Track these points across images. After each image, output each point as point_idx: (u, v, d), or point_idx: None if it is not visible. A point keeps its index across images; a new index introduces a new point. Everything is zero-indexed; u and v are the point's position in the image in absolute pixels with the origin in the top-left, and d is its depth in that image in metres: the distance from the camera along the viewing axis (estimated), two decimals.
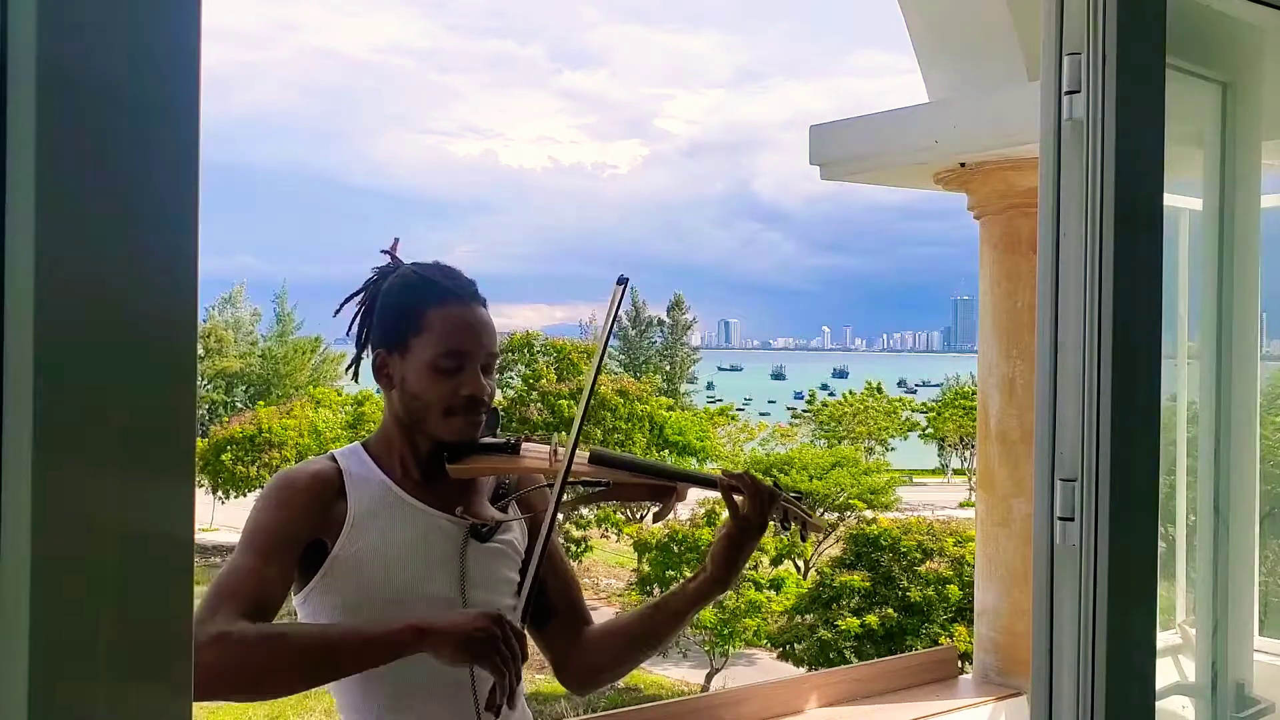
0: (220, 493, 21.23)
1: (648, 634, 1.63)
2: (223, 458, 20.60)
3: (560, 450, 1.53)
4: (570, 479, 1.53)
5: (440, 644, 1.33)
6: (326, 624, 1.46)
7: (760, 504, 1.56)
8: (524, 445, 1.57)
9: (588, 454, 1.56)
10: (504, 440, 1.57)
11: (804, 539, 1.70)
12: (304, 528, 1.48)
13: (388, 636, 1.35)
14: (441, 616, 1.38)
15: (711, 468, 22.54)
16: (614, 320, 1.64)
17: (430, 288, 1.55)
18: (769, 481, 1.60)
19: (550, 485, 1.54)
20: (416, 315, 1.53)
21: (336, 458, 1.57)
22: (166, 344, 0.63)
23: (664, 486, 1.57)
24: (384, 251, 1.63)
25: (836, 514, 18.18)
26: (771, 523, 1.59)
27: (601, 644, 1.65)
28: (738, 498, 1.57)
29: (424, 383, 1.52)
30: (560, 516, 1.67)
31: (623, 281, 1.55)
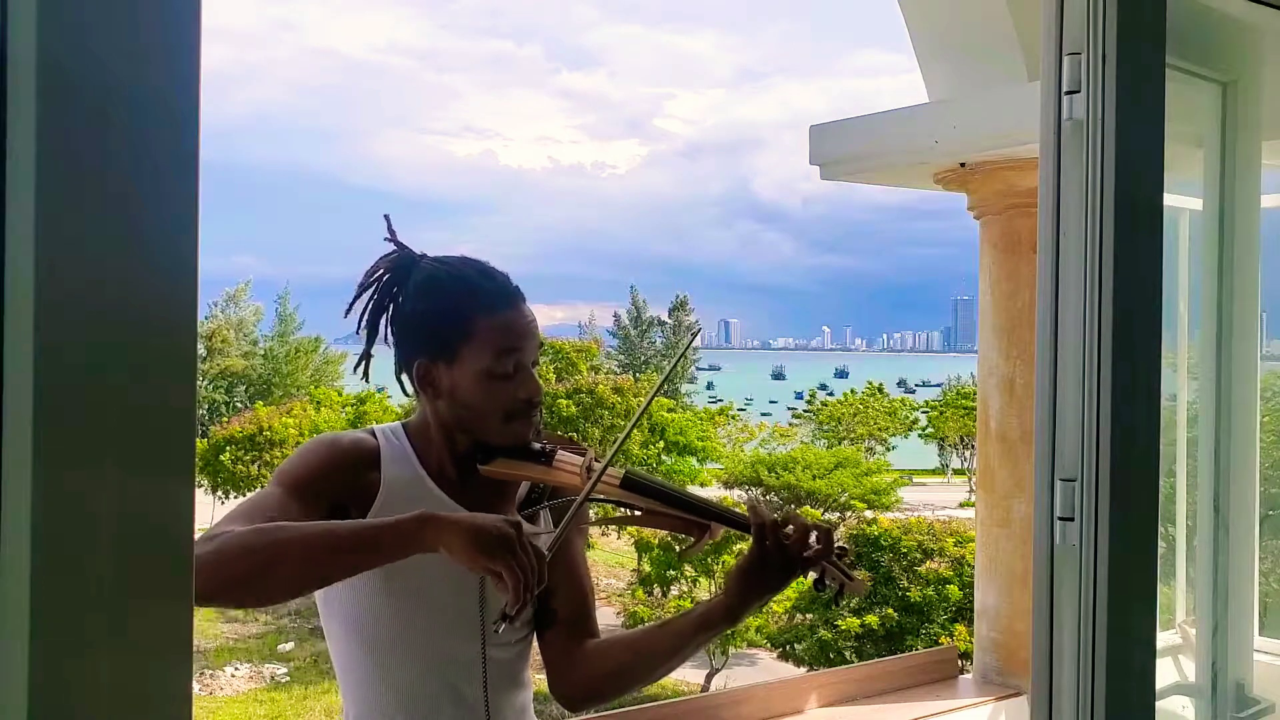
0: (220, 493, 21.23)
1: (647, 653, 1.55)
2: (222, 458, 20.61)
3: (595, 466, 1.49)
4: (602, 498, 1.50)
5: (451, 533, 1.25)
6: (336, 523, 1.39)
7: (791, 551, 1.43)
8: (559, 454, 1.52)
9: (620, 475, 1.49)
10: (539, 447, 1.53)
11: (837, 603, 1.56)
12: (335, 484, 1.45)
13: (397, 523, 1.28)
14: (456, 515, 1.31)
15: (712, 467, 22.53)
16: (680, 359, 1.57)
17: (475, 293, 1.49)
18: (803, 513, 1.44)
19: (589, 500, 1.49)
20: (464, 322, 1.47)
21: (377, 434, 1.54)
22: (166, 344, 0.63)
23: (696, 523, 1.48)
24: (388, 239, 1.55)
25: (838, 514, 18.18)
26: (808, 577, 1.46)
27: (599, 658, 1.57)
28: (766, 536, 1.44)
29: (480, 391, 1.48)
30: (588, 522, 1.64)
31: (696, 332, 1.49)
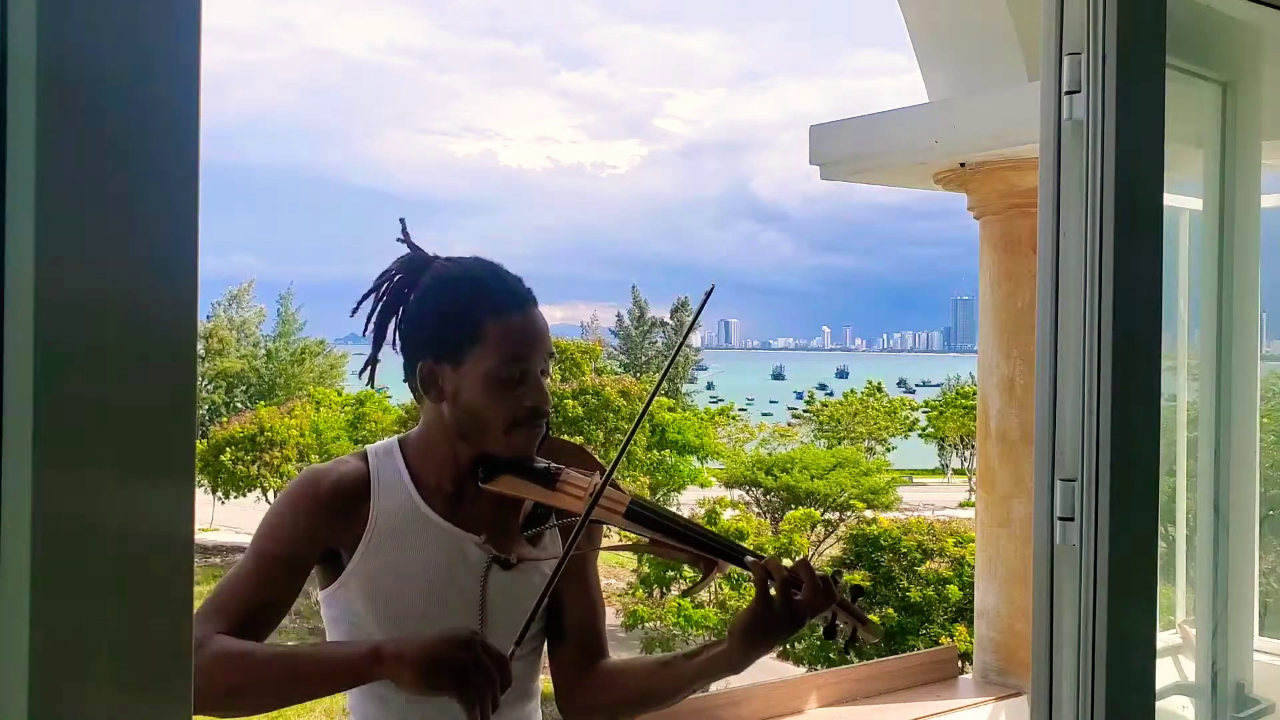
0: (220, 493, 21.22)
1: (650, 690, 1.53)
2: (222, 458, 20.60)
3: (596, 492, 1.42)
4: (606, 522, 1.45)
5: (398, 669, 1.25)
6: (296, 645, 1.42)
7: (800, 604, 1.37)
8: (564, 475, 1.46)
9: (625, 505, 1.44)
10: (544, 467, 1.47)
11: (849, 650, 1.46)
12: (315, 543, 1.44)
13: (346, 660, 1.30)
14: (407, 638, 1.28)
15: (713, 467, 22.52)
16: (690, 330, 1.56)
17: (484, 294, 1.44)
18: (825, 573, 1.36)
19: (595, 522, 1.44)
20: (471, 324, 1.42)
21: (369, 457, 1.50)
22: (166, 344, 0.63)
23: (704, 559, 1.43)
24: (401, 240, 1.51)
25: (837, 514, 18.18)
26: (818, 623, 1.40)
27: (607, 684, 1.55)
28: (771, 586, 1.38)
29: (485, 397, 1.43)
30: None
31: (709, 293, 1.42)
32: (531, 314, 1.47)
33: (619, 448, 1.54)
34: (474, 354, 1.43)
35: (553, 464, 1.48)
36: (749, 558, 1.42)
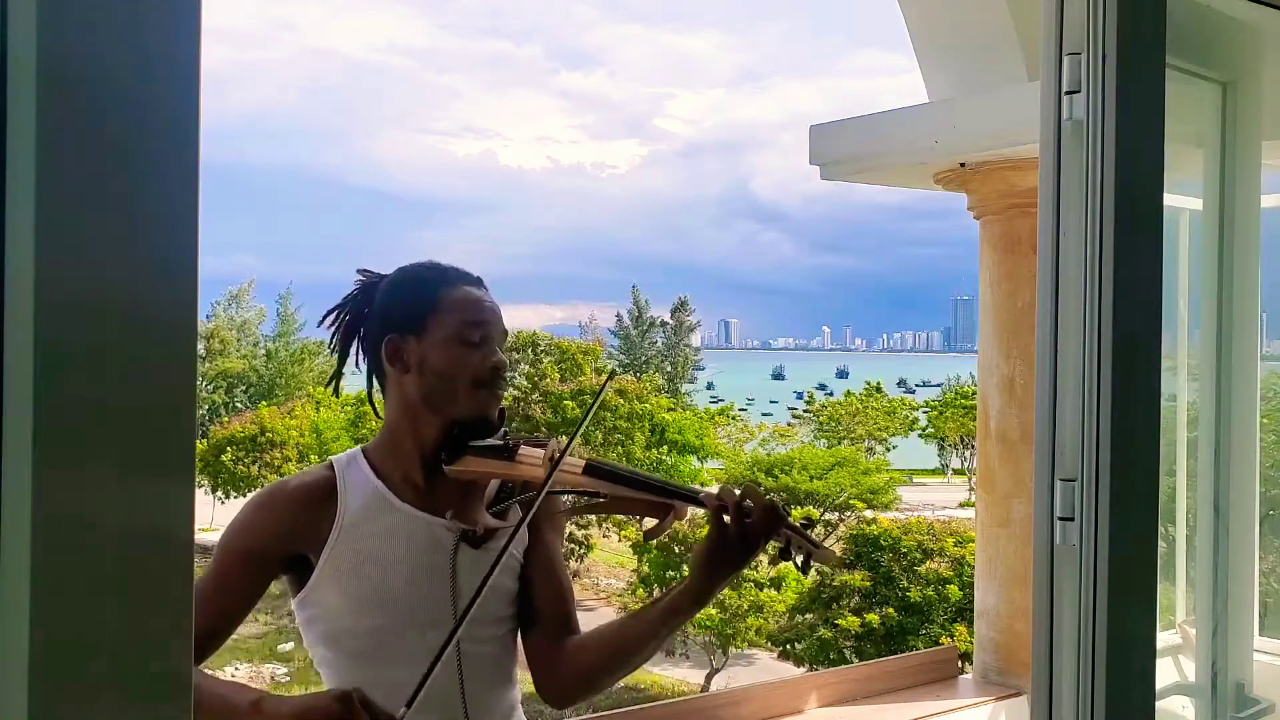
0: (220, 493, 21.25)
1: (622, 646, 1.56)
2: (223, 458, 20.62)
3: (556, 457, 1.50)
4: (566, 489, 1.52)
5: None
6: (211, 675, 1.46)
7: (752, 527, 1.44)
8: (521, 449, 1.53)
9: (583, 464, 1.51)
10: (501, 443, 1.55)
11: (805, 572, 1.54)
12: (280, 538, 1.51)
13: (233, 706, 1.36)
14: (290, 698, 1.36)
15: (713, 466, 22.55)
16: (592, 410, 1.78)
17: (438, 272, 1.59)
18: (772, 497, 1.45)
19: (554, 493, 1.51)
20: (430, 296, 1.55)
21: (334, 464, 1.58)
22: (166, 344, 0.63)
23: (661, 504, 1.50)
24: (360, 271, 1.64)
25: (836, 514, 18.19)
26: (774, 548, 1.47)
27: (578, 649, 1.59)
28: (726, 517, 1.46)
29: (450, 357, 1.53)
30: (563, 515, 1.67)
31: (612, 375, 1.52)
32: (483, 289, 1.60)
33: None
34: (435, 321, 1.55)
35: (510, 438, 1.56)
36: (703, 494, 1.50)
